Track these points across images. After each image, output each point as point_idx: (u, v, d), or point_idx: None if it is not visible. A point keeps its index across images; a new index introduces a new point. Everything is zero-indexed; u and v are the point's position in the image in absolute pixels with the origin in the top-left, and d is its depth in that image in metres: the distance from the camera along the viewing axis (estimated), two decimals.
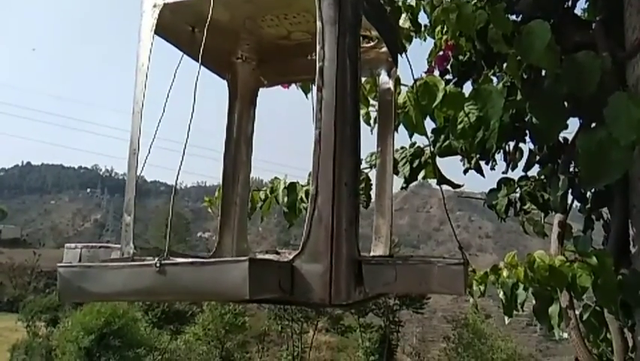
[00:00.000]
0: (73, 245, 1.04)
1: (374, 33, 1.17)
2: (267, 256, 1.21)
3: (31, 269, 43.16)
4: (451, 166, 2.22)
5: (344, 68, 0.82)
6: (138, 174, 0.98)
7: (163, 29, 1.06)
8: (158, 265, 0.69)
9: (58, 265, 0.77)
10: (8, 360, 27.30)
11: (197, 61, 0.94)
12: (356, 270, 0.82)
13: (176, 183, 0.81)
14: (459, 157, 2.34)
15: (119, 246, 0.98)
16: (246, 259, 0.66)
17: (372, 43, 1.24)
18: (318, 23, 0.83)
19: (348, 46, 0.83)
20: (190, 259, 0.69)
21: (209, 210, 2.19)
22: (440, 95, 1.73)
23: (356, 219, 0.83)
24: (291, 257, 0.80)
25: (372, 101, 2.05)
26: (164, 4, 1.00)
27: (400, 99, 1.81)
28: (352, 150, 0.83)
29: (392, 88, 1.24)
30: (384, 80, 1.25)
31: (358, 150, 0.85)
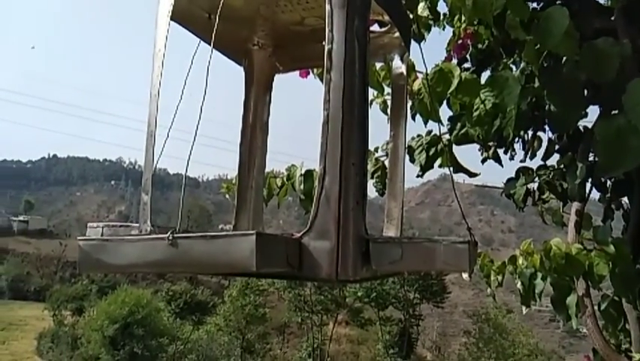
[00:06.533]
0: (95, 224, 1.08)
1: (387, 18, 1.18)
2: None
3: (57, 259, 44.33)
4: (469, 156, 2.21)
5: (352, 50, 0.84)
6: (157, 156, 1.01)
7: (179, 15, 1.09)
8: (170, 238, 0.72)
9: (79, 238, 0.81)
10: (35, 348, 28.13)
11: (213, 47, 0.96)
12: (363, 248, 0.83)
13: (188, 162, 0.84)
14: (477, 147, 2.33)
15: (138, 225, 1.02)
16: (253, 232, 0.68)
17: (385, 28, 1.25)
18: (327, 7, 0.84)
19: (357, 29, 0.84)
20: (201, 233, 0.72)
21: (227, 196, 2.22)
22: (455, 81, 1.72)
23: (363, 199, 0.84)
24: (299, 235, 0.82)
25: (387, 89, 2.05)
26: None
27: (415, 86, 1.81)
28: (360, 131, 0.84)
29: (405, 73, 1.24)
30: (397, 64, 1.25)
31: (366, 132, 0.86)
